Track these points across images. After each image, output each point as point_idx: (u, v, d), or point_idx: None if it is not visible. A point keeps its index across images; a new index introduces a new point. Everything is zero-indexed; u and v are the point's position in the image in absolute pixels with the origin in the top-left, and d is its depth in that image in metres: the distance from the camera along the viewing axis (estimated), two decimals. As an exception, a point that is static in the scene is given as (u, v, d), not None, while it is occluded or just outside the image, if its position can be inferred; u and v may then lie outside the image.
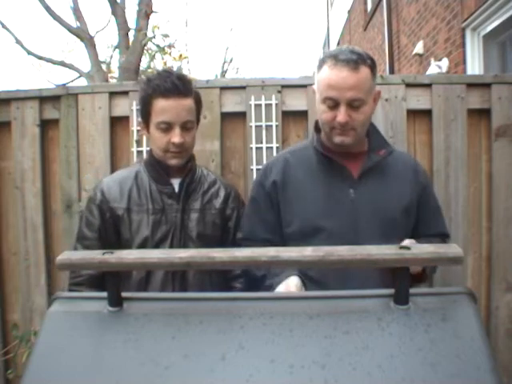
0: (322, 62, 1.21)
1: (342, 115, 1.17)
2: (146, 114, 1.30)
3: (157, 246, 1.31)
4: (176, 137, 1.26)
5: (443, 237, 1.36)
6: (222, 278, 1.41)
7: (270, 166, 1.36)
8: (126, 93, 1.83)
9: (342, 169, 1.26)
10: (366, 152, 1.29)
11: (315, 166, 1.29)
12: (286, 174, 1.30)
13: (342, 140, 1.22)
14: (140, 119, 1.35)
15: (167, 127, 1.26)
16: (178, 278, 1.32)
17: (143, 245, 1.30)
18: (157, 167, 1.34)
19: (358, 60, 1.15)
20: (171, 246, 1.31)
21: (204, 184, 1.41)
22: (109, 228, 1.33)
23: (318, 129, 1.33)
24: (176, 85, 1.25)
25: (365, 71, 1.16)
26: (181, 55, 8.60)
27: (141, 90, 1.31)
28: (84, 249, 1.30)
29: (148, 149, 1.78)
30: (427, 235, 1.32)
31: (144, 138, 1.79)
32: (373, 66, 1.20)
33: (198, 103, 1.35)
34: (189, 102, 1.29)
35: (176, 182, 1.35)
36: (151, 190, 1.34)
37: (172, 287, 1.31)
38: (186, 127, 1.28)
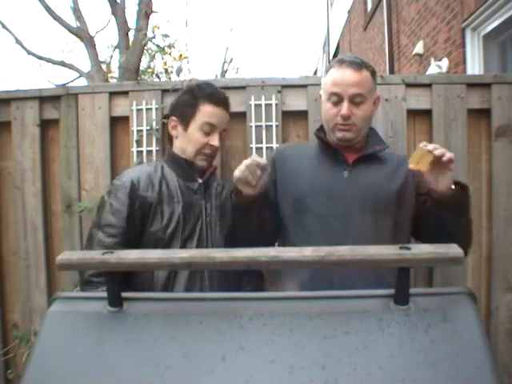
0: (329, 67, 1.34)
1: (344, 109, 1.27)
2: (189, 113, 1.40)
3: (186, 239, 1.34)
4: (215, 140, 1.40)
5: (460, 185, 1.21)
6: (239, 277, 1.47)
7: (275, 149, 1.59)
8: (126, 93, 1.83)
9: (338, 154, 1.34)
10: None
11: (314, 150, 1.39)
12: (288, 152, 1.43)
13: (344, 135, 1.31)
14: (175, 118, 1.44)
15: (210, 130, 1.40)
16: (205, 276, 1.34)
17: (172, 236, 1.33)
18: (184, 165, 1.42)
19: (361, 63, 1.30)
20: (199, 239, 1.37)
21: (218, 185, 1.51)
22: (136, 218, 1.32)
23: (321, 131, 1.43)
24: (227, 99, 1.46)
25: (366, 73, 1.30)
26: (181, 55, 8.59)
27: (188, 91, 1.44)
28: (108, 237, 1.26)
29: (150, 149, 1.78)
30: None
31: (144, 139, 1.79)
32: (373, 72, 1.34)
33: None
34: (228, 116, 1.48)
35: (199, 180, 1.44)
36: (179, 185, 1.39)
37: (200, 286, 1.32)
38: (221, 135, 1.44)
